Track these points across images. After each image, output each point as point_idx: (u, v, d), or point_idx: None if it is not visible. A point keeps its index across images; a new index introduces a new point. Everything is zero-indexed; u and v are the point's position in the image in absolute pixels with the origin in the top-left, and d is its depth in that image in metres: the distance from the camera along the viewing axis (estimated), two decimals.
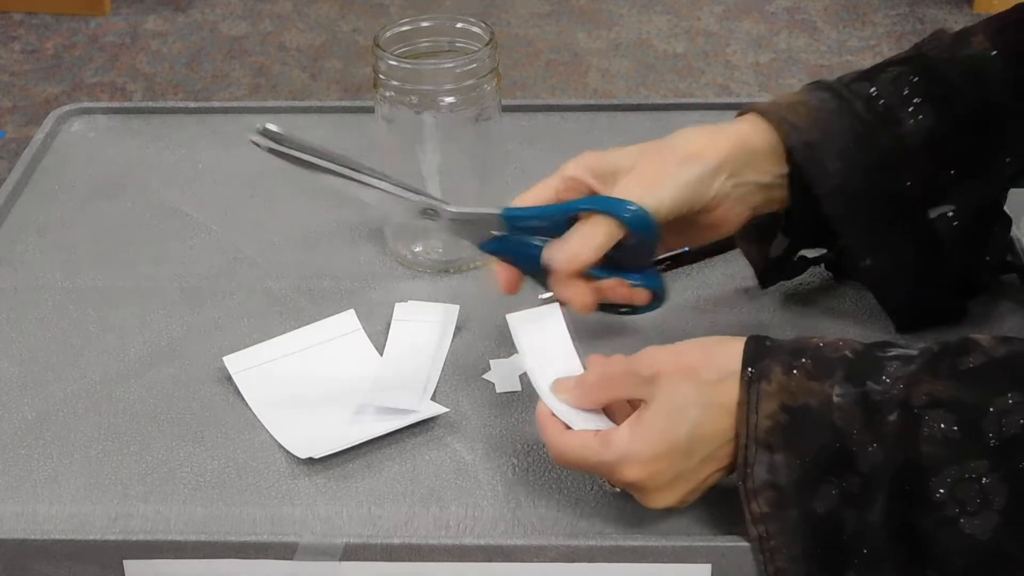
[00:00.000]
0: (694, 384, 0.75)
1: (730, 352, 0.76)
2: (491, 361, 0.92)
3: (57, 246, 1.06)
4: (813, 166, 0.86)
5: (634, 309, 0.88)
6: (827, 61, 3.01)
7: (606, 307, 0.88)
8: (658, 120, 1.21)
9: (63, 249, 1.06)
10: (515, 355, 0.89)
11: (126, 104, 1.25)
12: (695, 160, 0.85)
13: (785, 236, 0.94)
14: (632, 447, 0.75)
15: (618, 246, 0.84)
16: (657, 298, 0.88)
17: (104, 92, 2.93)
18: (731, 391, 0.74)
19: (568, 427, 0.78)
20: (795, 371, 0.74)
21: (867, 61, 2.99)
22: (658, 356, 0.77)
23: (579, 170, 0.86)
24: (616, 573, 0.77)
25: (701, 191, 0.85)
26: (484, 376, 0.90)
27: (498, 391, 0.89)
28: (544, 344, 0.83)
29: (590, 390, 0.79)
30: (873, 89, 0.89)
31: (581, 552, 0.77)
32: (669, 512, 0.79)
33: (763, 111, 0.88)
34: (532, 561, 0.77)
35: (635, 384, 0.77)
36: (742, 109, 0.90)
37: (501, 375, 0.90)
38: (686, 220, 0.86)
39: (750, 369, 0.74)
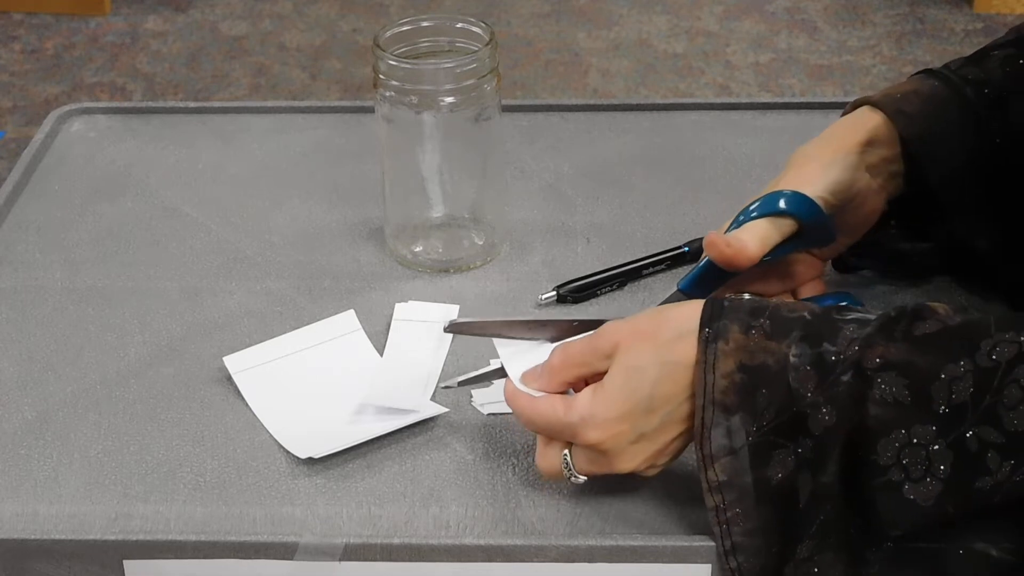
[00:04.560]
0: (651, 345, 0.76)
1: (686, 313, 0.76)
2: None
3: (57, 246, 1.06)
4: (927, 154, 0.89)
5: None
6: (827, 61, 3.01)
7: None
8: (658, 120, 1.21)
9: (63, 249, 1.06)
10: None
11: (126, 104, 1.25)
12: (834, 162, 0.88)
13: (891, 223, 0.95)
14: (594, 409, 0.76)
15: (796, 241, 0.85)
16: None
17: (104, 92, 2.94)
18: (688, 349, 0.75)
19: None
20: (753, 331, 0.74)
21: (867, 61, 3.00)
22: (616, 328, 0.78)
23: None
24: (616, 573, 0.77)
25: (848, 187, 0.87)
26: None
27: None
28: (523, 349, 0.84)
29: (555, 371, 0.80)
30: (982, 74, 0.90)
31: (581, 552, 0.77)
32: (669, 512, 0.79)
33: (876, 102, 0.90)
34: (532, 561, 0.77)
35: (597, 358, 0.78)
36: (855, 101, 0.92)
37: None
38: (836, 221, 0.88)
39: (707, 329, 0.74)
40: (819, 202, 0.86)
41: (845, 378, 0.71)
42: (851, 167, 0.88)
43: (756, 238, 0.84)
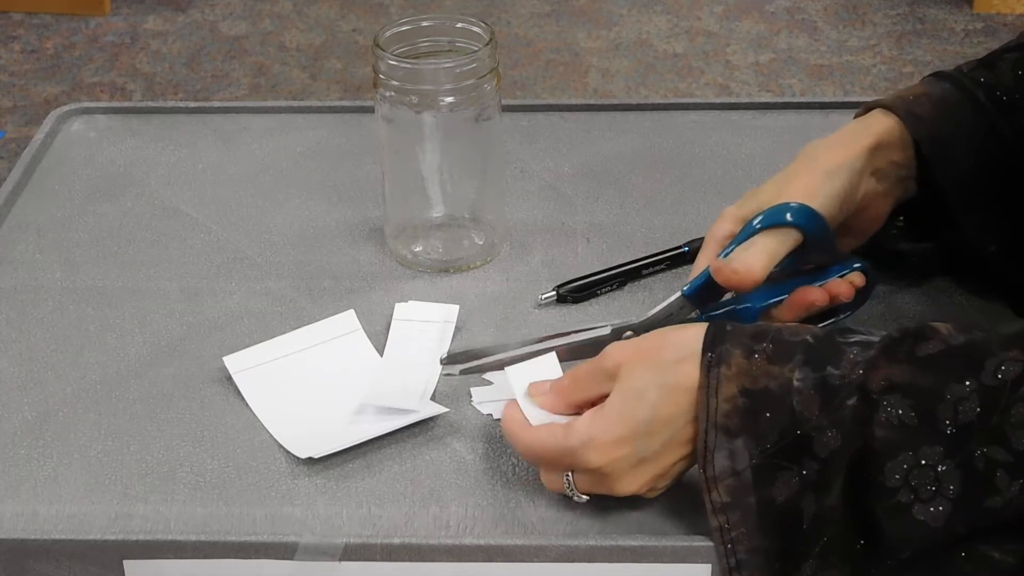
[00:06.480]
0: (653, 367, 0.75)
1: (689, 335, 0.76)
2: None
3: (57, 246, 1.06)
4: (939, 157, 0.88)
5: (854, 302, 0.89)
6: (827, 61, 3.01)
7: (823, 316, 0.89)
8: (658, 120, 1.21)
9: (63, 249, 1.06)
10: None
11: (126, 104, 1.25)
12: (840, 169, 0.87)
13: (900, 224, 0.95)
14: (593, 432, 0.75)
15: (799, 253, 0.86)
16: (870, 278, 0.90)
17: (104, 92, 2.94)
18: (690, 372, 0.74)
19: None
20: (756, 355, 0.74)
21: (867, 61, 3.00)
22: (620, 348, 0.78)
23: (729, 226, 0.88)
24: (616, 573, 0.77)
25: (853, 195, 0.87)
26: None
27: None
28: (531, 367, 0.84)
29: (564, 391, 0.80)
30: (993, 77, 0.90)
31: (581, 552, 0.77)
32: (669, 512, 0.79)
33: (889, 105, 0.90)
34: (532, 561, 0.77)
35: (601, 380, 0.77)
36: (866, 104, 0.92)
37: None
38: (839, 226, 0.88)
39: (710, 354, 0.74)
40: (824, 212, 0.86)
41: (850, 402, 0.71)
42: (857, 173, 0.88)
43: (762, 258, 0.84)
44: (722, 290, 0.87)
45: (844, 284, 0.88)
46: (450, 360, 0.86)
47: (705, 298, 0.88)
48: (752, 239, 0.85)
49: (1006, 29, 3.10)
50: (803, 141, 0.92)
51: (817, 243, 0.86)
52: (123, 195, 1.12)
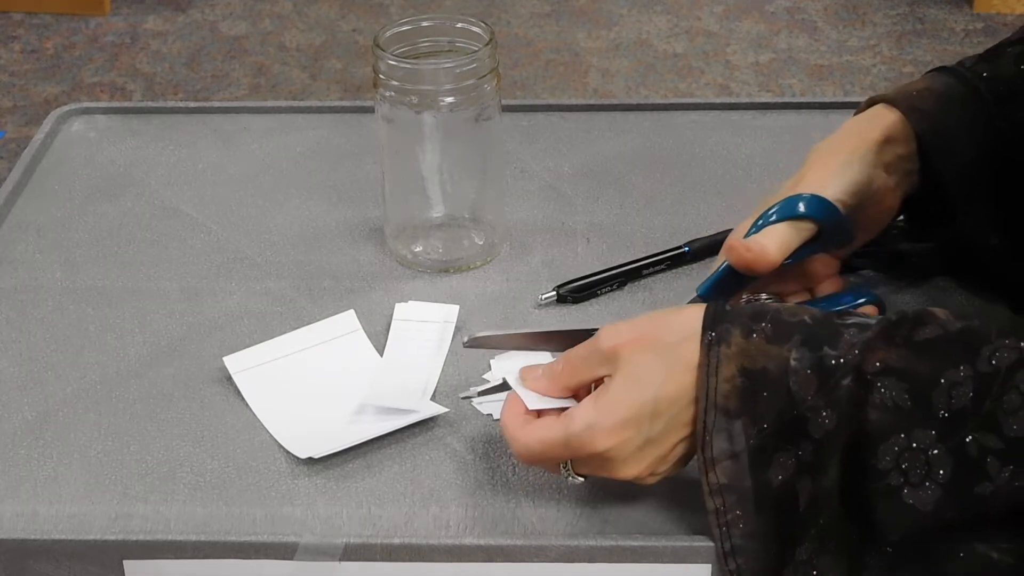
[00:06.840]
0: (654, 349, 0.75)
1: (689, 316, 0.76)
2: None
3: (57, 246, 1.06)
4: (940, 149, 0.88)
5: None
6: (827, 61, 3.01)
7: None
8: (658, 120, 1.21)
9: (63, 249, 1.06)
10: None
11: (126, 104, 1.25)
12: (851, 162, 0.87)
13: (900, 224, 0.95)
14: (598, 416, 0.75)
15: (815, 244, 0.86)
16: (882, 309, 0.89)
17: (104, 92, 2.94)
18: (691, 352, 0.74)
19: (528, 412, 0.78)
20: (754, 335, 0.74)
21: (867, 61, 3.00)
22: (617, 329, 0.77)
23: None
24: (616, 573, 0.77)
25: (868, 186, 0.87)
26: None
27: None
28: (518, 355, 0.84)
29: (557, 376, 0.79)
30: (995, 70, 0.90)
31: (581, 552, 0.77)
32: (669, 512, 0.79)
33: (892, 100, 0.90)
34: (532, 561, 0.77)
35: (598, 362, 0.77)
36: (869, 99, 0.92)
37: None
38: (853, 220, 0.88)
39: (710, 333, 0.74)
40: (838, 204, 0.86)
41: (845, 382, 0.71)
42: (869, 166, 0.88)
43: (776, 243, 0.84)
44: (737, 287, 0.87)
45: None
46: (472, 343, 0.86)
47: (721, 297, 0.87)
48: (768, 230, 0.85)
49: (1006, 29, 3.10)
50: (803, 141, 0.92)
51: (831, 232, 0.86)
52: (123, 195, 1.12)
